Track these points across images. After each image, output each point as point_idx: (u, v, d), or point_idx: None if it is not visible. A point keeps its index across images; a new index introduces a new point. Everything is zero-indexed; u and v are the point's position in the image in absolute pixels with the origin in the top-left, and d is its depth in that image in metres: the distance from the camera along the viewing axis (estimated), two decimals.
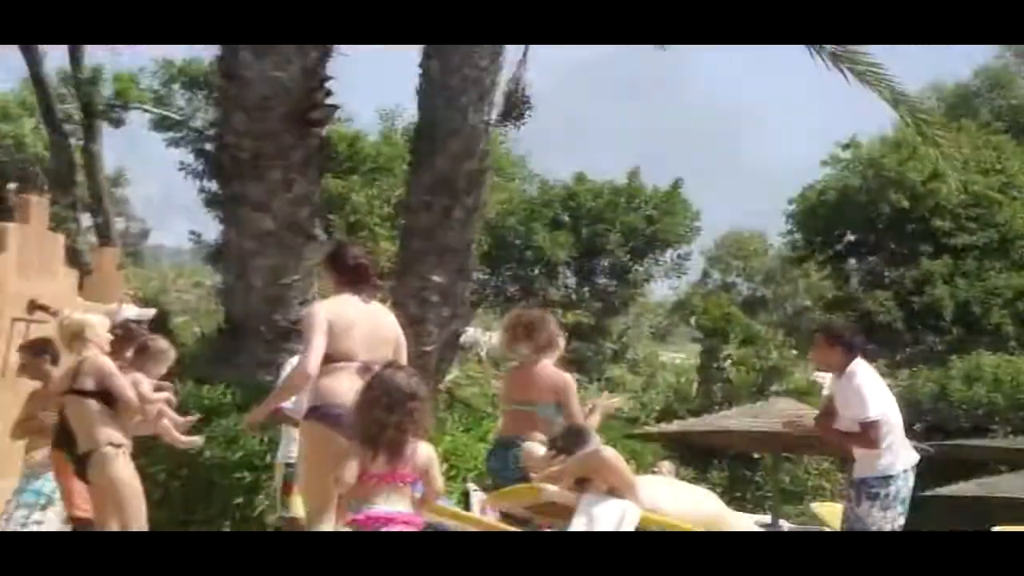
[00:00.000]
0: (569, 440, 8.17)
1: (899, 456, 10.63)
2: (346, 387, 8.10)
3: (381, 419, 6.00)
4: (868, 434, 10.61)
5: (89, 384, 9.59)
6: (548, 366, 9.87)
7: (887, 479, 10.54)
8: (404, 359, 8.32)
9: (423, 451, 6.06)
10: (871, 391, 10.66)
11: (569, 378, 9.87)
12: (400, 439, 5.98)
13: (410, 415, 6.01)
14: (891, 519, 10.45)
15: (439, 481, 6.20)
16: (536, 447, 9.24)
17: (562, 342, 10.11)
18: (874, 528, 10.44)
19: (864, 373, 10.75)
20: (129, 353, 10.24)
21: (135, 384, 9.75)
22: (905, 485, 10.59)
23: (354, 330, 8.51)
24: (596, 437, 8.35)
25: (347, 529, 5.95)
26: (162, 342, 10.46)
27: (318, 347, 8.35)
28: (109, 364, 9.66)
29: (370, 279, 8.87)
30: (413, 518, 5.93)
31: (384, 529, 5.74)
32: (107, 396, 9.57)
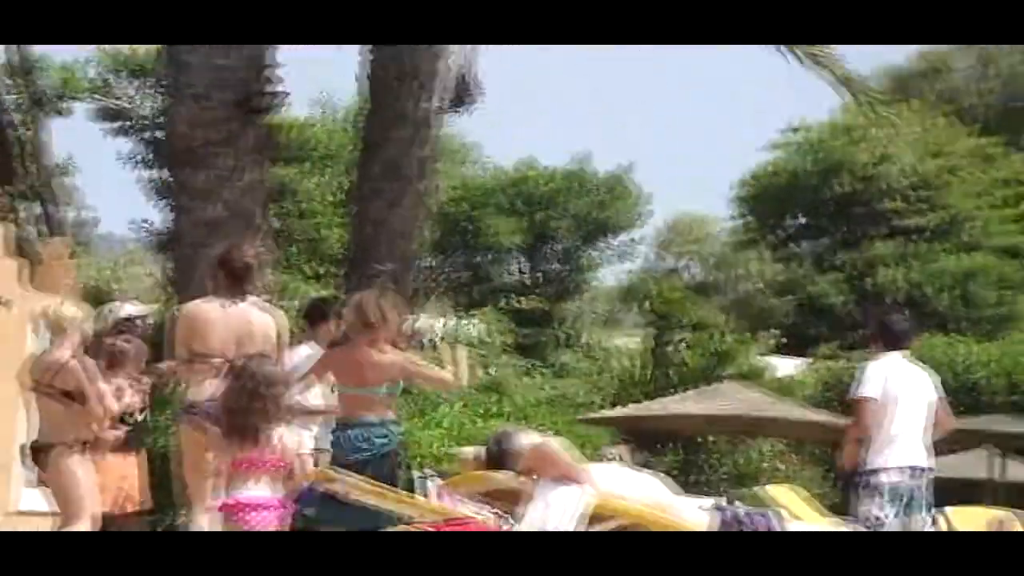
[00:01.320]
0: (500, 452, 8.14)
1: (894, 451, 10.38)
2: (208, 384, 9.02)
3: (245, 407, 6.15)
4: (857, 413, 10.46)
5: (68, 386, 9.57)
6: (375, 351, 10.00)
7: (872, 472, 10.30)
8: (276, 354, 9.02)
9: (290, 439, 6.41)
10: (873, 372, 10.47)
11: (401, 358, 10.11)
12: (263, 425, 6.20)
13: (273, 402, 6.22)
14: (878, 507, 10.21)
15: (308, 464, 6.34)
16: (467, 451, 9.33)
17: (392, 322, 10.20)
18: (861, 518, 10.25)
19: (882, 360, 10.59)
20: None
21: (118, 392, 9.79)
22: (898, 480, 10.29)
23: (215, 330, 9.33)
24: (526, 433, 8.34)
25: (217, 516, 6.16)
26: (135, 342, 10.47)
27: (169, 354, 9.44)
28: (92, 371, 9.64)
29: (255, 279, 9.76)
30: (276, 501, 6.24)
31: (249, 514, 6.11)
32: (78, 396, 9.56)
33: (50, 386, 9.60)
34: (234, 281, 9.46)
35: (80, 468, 9.50)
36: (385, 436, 10.09)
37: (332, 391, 10.60)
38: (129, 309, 11.52)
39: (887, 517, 10.25)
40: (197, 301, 9.54)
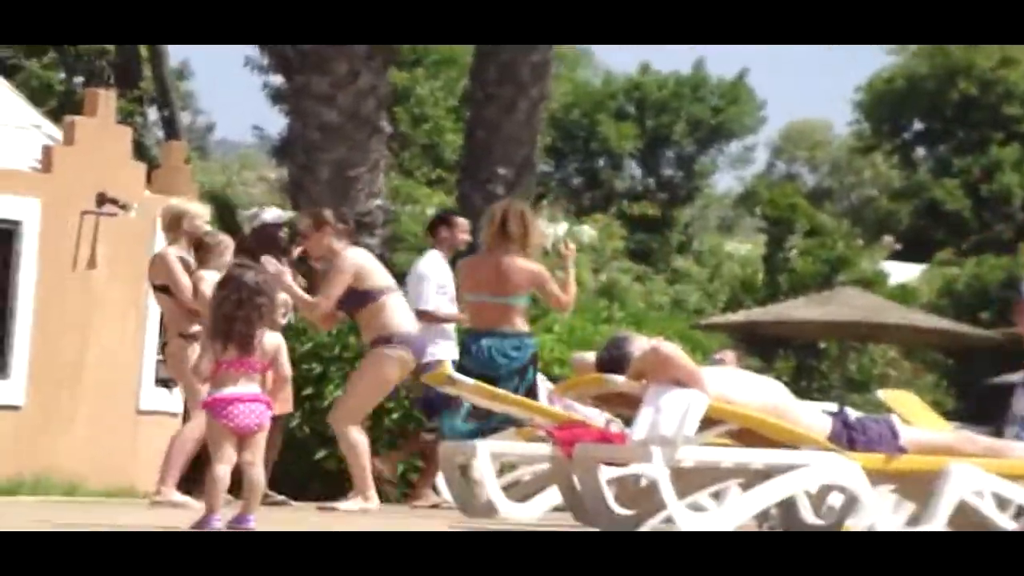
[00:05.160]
0: (615, 357, 8.14)
1: None
2: (402, 317, 10.08)
3: (230, 313, 6.63)
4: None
5: (159, 279, 9.88)
6: (517, 258, 10.14)
7: None
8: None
9: (270, 340, 6.71)
10: None
11: (539, 268, 10.31)
12: (248, 331, 6.62)
13: (257, 310, 6.65)
14: None
15: (286, 367, 6.82)
16: (583, 356, 9.35)
17: (537, 236, 10.39)
18: (1019, 416, 10.30)
19: None
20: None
21: (197, 281, 9.92)
22: None
23: (378, 268, 10.17)
24: (640, 337, 8.33)
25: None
26: (219, 235, 10.58)
27: (339, 291, 9.92)
28: (171, 259, 9.90)
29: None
30: (259, 396, 6.63)
31: (230, 408, 6.54)
32: (171, 289, 9.88)
33: (150, 282, 10.00)
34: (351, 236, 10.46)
35: (191, 359, 9.70)
36: (519, 348, 10.16)
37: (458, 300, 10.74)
38: (267, 215, 11.69)
39: None
40: (356, 249, 10.32)
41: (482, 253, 10.39)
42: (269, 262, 9.89)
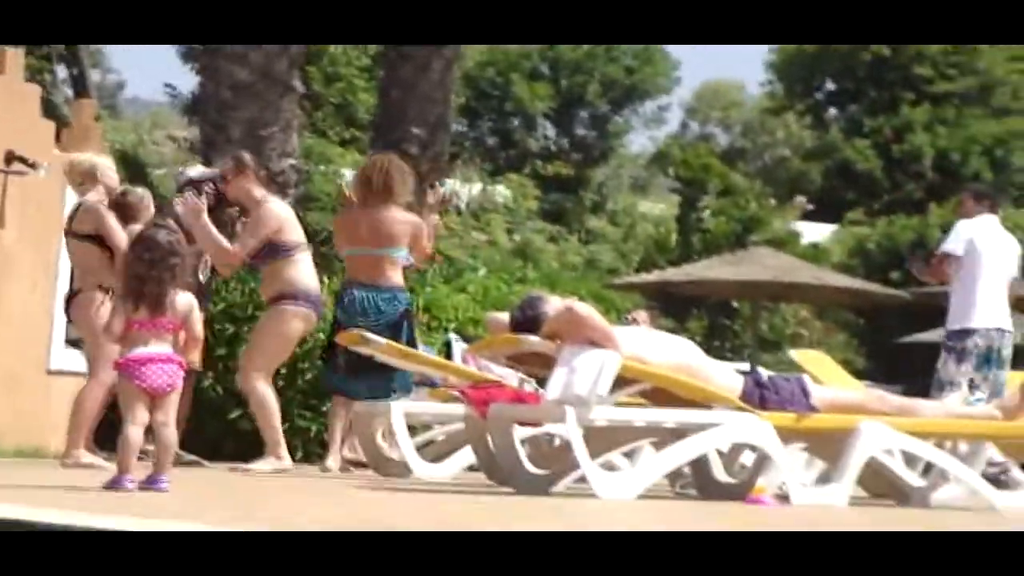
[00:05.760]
0: (528, 317, 8.14)
1: (983, 312, 10.59)
2: (313, 272, 10.03)
3: (143, 273, 6.60)
4: (936, 266, 10.83)
5: (86, 228, 9.76)
6: (395, 211, 10.27)
7: (963, 332, 10.56)
8: None
9: (182, 300, 6.67)
10: (964, 230, 10.73)
11: (414, 221, 10.39)
12: (160, 291, 6.59)
13: (170, 270, 6.62)
14: (964, 373, 10.43)
15: (198, 327, 6.80)
16: (497, 315, 9.38)
17: (406, 187, 10.48)
18: (947, 381, 10.48)
19: (975, 220, 10.80)
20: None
21: (131, 235, 9.83)
22: (986, 342, 10.54)
23: (296, 222, 10.15)
24: (554, 297, 8.35)
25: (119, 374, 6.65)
26: (138, 190, 10.50)
27: (258, 242, 9.90)
28: (101, 207, 9.82)
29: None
30: (172, 356, 6.59)
31: (143, 368, 6.50)
32: (103, 241, 9.74)
33: (72, 232, 9.82)
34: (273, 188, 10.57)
35: (103, 312, 9.57)
36: (390, 302, 10.16)
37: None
38: (192, 172, 11.58)
39: (968, 379, 10.44)
40: (278, 201, 10.37)
41: (357, 208, 10.40)
42: (185, 202, 9.87)
